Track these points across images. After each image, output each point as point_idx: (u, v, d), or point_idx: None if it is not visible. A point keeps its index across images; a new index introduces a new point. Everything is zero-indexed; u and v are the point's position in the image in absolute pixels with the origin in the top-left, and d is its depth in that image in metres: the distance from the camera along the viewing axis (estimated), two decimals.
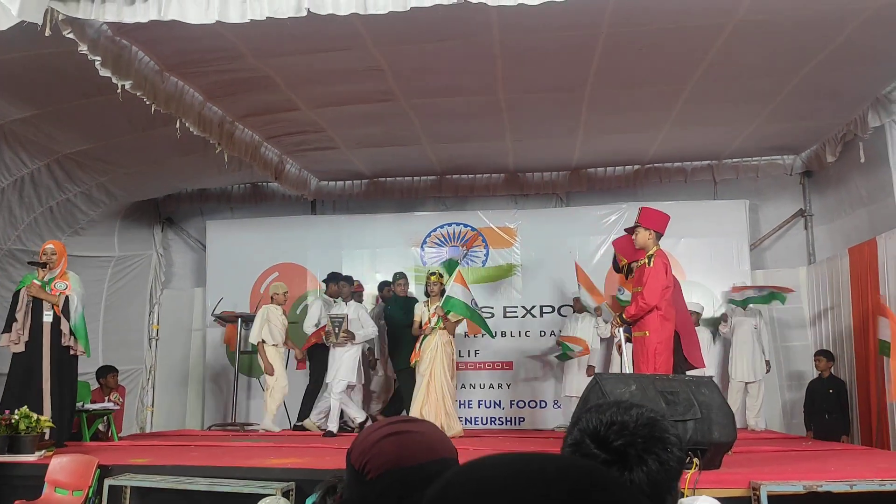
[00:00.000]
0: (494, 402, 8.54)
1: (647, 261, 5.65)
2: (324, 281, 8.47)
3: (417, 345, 6.91)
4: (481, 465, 0.68)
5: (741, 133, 7.74)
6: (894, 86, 6.34)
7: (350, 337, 7.14)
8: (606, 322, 8.06)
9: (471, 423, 8.39)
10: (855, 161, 7.15)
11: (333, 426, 7.21)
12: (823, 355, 7.74)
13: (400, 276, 8.09)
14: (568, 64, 5.89)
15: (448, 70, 6.04)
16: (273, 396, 7.69)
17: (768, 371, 8.07)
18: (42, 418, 5.27)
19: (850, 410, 7.55)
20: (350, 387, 7.35)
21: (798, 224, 9.00)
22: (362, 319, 7.33)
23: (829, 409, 7.51)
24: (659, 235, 5.77)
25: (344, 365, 7.20)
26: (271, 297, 7.90)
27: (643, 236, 5.72)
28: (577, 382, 8.07)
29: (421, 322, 6.95)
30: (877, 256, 6.97)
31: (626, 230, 6.20)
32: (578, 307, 8.35)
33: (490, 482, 0.65)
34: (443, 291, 6.92)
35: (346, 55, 5.64)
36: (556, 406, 8.55)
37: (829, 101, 6.73)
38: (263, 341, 7.62)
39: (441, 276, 7.17)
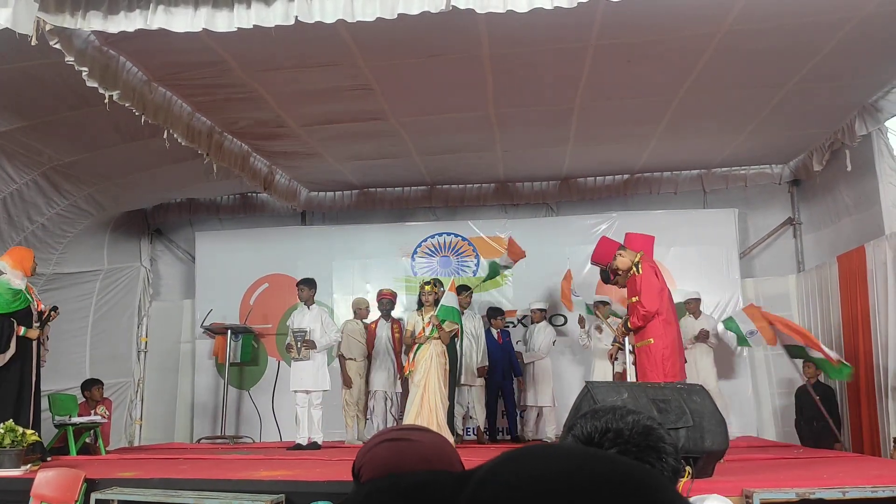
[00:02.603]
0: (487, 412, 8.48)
1: (635, 269, 5.69)
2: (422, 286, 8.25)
3: (411, 355, 6.87)
4: (529, 461, 0.66)
5: (730, 143, 7.79)
6: (881, 94, 6.40)
7: (311, 346, 7.08)
8: (587, 332, 8.09)
9: (463, 433, 8.34)
10: (842, 170, 7.20)
11: (318, 437, 7.14)
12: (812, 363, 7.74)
13: (464, 289, 7.96)
14: (557, 77, 5.91)
15: (438, 87, 6.04)
16: (348, 412, 7.88)
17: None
18: (28, 432, 5.20)
19: (838, 417, 7.55)
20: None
21: (787, 232, 9.05)
22: (325, 325, 7.25)
23: (816, 417, 7.51)
24: (623, 247, 5.86)
25: (312, 375, 7.13)
26: (354, 312, 8.14)
27: (618, 262, 5.81)
28: (534, 392, 8.22)
29: (414, 332, 6.91)
30: (865, 264, 7.00)
31: (608, 273, 6.25)
32: (538, 317, 8.39)
33: (541, 481, 0.62)
34: (437, 301, 6.88)
35: (335, 71, 5.63)
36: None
37: (817, 111, 6.78)
38: (342, 355, 7.87)
39: (435, 285, 7.13)
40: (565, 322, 8.64)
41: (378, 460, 1.23)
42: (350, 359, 7.95)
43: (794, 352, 7.43)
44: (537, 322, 8.40)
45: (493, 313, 8.33)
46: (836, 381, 7.71)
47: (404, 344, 7.30)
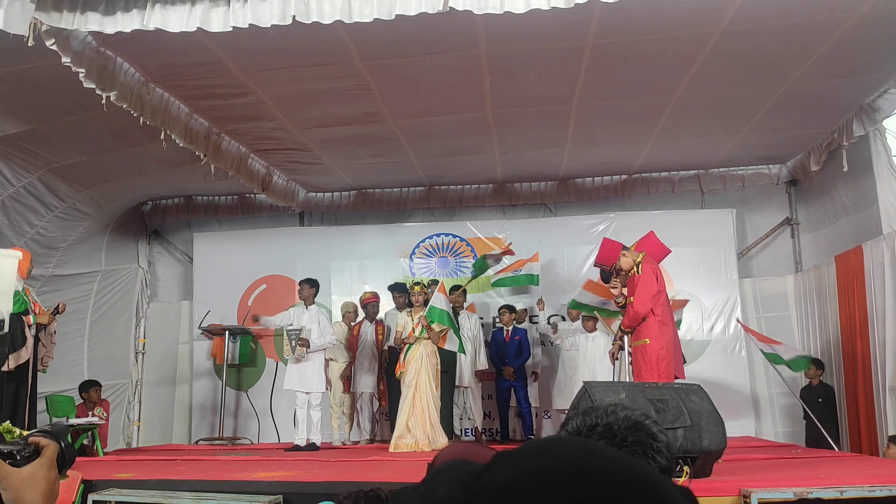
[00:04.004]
0: (485, 413, 8.48)
1: (635, 269, 5.71)
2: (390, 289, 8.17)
3: (402, 356, 6.87)
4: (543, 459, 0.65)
5: (727, 143, 7.79)
6: (878, 94, 6.40)
7: (305, 344, 7.03)
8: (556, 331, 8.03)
9: (460, 434, 8.33)
10: (840, 170, 7.20)
11: (316, 438, 7.13)
12: (813, 363, 7.75)
13: (456, 288, 8.00)
14: (555, 77, 5.91)
15: (436, 88, 6.05)
16: (333, 413, 7.91)
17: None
18: (26, 433, 5.18)
19: (836, 421, 7.55)
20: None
21: (785, 233, 9.05)
22: (322, 326, 7.23)
23: (819, 417, 7.51)
24: (626, 248, 5.88)
25: (310, 375, 7.10)
26: (343, 315, 8.23)
27: (622, 262, 5.83)
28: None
29: (403, 332, 6.91)
30: (863, 264, 7.00)
31: (611, 274, 6.25)
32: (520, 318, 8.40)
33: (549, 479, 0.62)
34: (426, 301, 6.90)
35: (333, 70, 5.63)
36: (546, 416, 8.51)
37: (814, 111, 6.78)
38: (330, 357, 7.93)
39: (425, 286, 7.15)
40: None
41: (451, 451, 1.49)
42: (331, 359, 7.94)
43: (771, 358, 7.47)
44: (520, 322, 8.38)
45: (503, 309, 8.23)
46: (835, 382, 7.71)
47: (394, 345, 7.30)
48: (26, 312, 6.05)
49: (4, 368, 5.81)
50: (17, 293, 5.99)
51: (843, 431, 7.49)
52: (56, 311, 6.37)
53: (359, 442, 7.96)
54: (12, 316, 5.84)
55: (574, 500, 0.60)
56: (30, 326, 6.01)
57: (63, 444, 1.20)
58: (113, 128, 6.39)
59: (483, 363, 7.95)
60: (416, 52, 5.37)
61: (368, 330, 8.06)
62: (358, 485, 4.29)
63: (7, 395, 5.84)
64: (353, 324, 8.19)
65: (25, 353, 5.89)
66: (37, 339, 6.15)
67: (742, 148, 7.94)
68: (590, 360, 7.71)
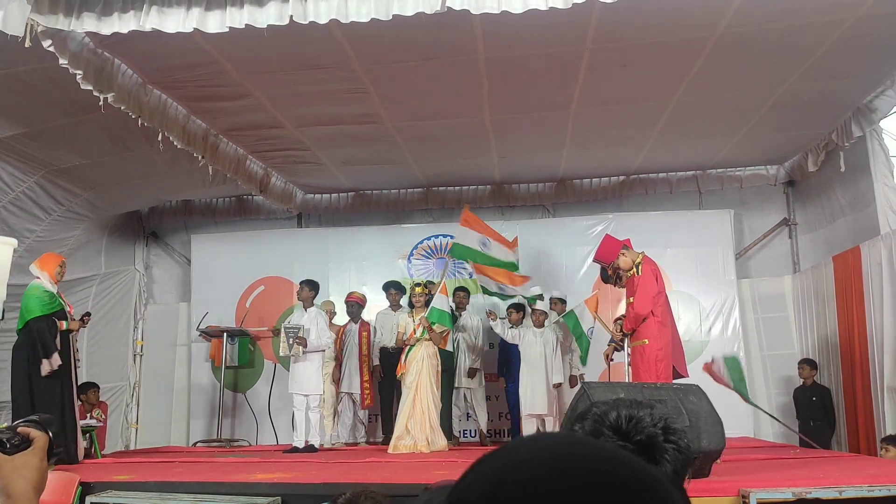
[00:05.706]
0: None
1: (635, 270, 5.70)
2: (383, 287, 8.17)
3: (403, 357, 6.86)
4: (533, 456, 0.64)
5: (725, 144, 7.80)
6: (875, 95, 6.41)
7: (303, 343, 6.98)
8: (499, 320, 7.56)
9: (460, 435, 8.31)
10: (837, 170, 7.22)
11: (316, 440, 7.11)
12: (807, 363, 7.76)
13: (460, 289, 8.01)
14: (553, 82, 5.92)
15: (434, 91, 6.05)
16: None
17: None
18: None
19: (833, 419, 7.56)
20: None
21: (782, 233, 9.06)
22: (320, 328, 7.19)
23: (812, 417, 7.53)
24: (626, 247, 5.87)
25: (309, 377, 7.09)
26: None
27: (620, 262, 5.82)
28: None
29: (405, 333, 6.90)
30: (860, 264, 7.01)
31: (609, 274, 6.23)
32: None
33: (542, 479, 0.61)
34: (427, 303, 6.89)
35: (331, 74, 5.63)
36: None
37: (811, 112, 6.80)
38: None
39: (426, 287, 7.14)
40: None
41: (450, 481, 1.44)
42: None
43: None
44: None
45: (510, 309, 7.93)
46: (833, 382, 7.72)
47: (395, 345, 7.29)
48: (64, 315, 6.10)
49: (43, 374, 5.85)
50: (54, 294, 6.11)
51: (842, 431, 7.49)
52: (83, 320, 6.44)
53: (347, 443, 7.92)
54: (45, 319, 5.96)
55: (566, 498, 0.59)
56: (61, 332, 6.03)
57: (51, 435, 1.23)
58: (111, 130, 6.38)
59: (476, 361, 7.92)
60: (414, 56, 5.37)
61: (353, 330, 8.05)
62: (356, 486, 4.30)
63: (53, 398, 5.87)
64: (337, 324, 8.13)
65: (57, 360, 5.90)
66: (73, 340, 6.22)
67: (740, 149, 7.95)
68: (534, 357, 7.22)
